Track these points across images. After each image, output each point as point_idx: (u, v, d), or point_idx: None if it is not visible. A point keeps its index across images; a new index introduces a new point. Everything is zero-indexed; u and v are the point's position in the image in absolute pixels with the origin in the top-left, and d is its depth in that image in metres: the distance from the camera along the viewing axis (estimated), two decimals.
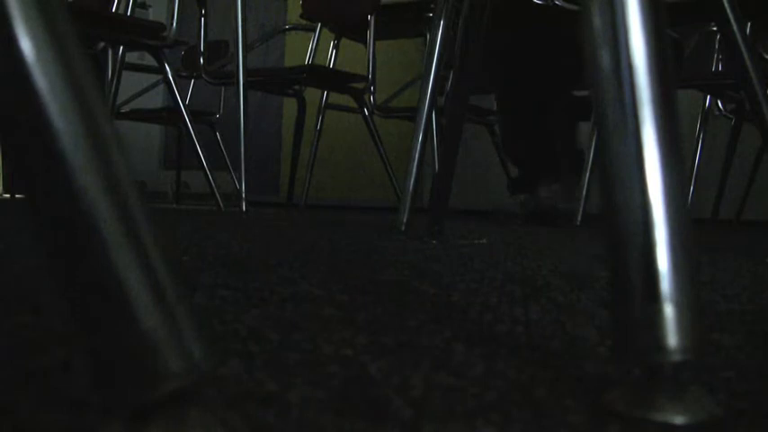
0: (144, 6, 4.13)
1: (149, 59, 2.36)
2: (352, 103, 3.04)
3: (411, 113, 2.75)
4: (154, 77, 3.50)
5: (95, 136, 0.28)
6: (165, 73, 2.25)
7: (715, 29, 2.56)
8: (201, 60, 2.62)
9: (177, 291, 0.29)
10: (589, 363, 0.47)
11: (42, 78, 0.27)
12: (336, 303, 0.66)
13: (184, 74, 3.64)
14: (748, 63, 1.28)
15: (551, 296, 0.74)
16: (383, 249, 1.25)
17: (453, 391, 0.38)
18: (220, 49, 3.56)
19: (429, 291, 0.76)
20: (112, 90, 2.63)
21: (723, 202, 2.95)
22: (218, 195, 2.34)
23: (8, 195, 3.47)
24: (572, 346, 0.52)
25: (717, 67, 2.81)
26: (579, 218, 2.37)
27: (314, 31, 3.25)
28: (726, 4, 1.26)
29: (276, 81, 3.10)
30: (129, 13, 2.45)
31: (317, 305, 0.64)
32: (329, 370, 0.42)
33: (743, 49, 1.28)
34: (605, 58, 0.37)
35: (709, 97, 2.86)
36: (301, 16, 3.23)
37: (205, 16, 2.52)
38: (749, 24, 2.22)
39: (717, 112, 2.90)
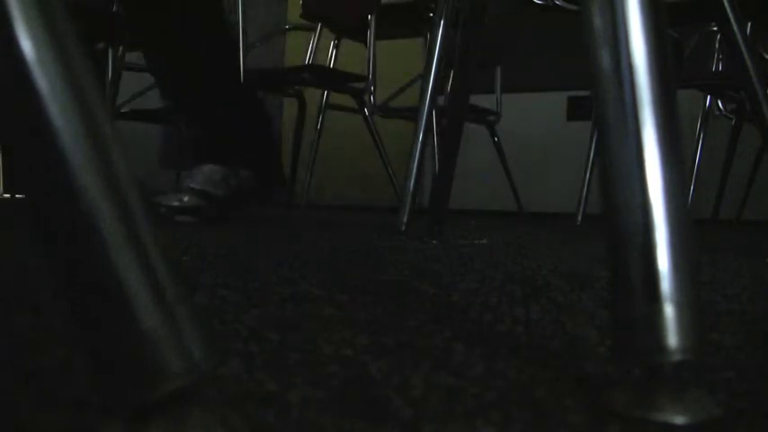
0: None
1: None
2: (353, 103, 3.04)
3: (411, 113, 2.75)
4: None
5: (95, 136, 0.28)
6: None
7: (715, 29, 2.56)
8: None
9: (177, 291, 0.29)
10: (589, 363, 0.47)
11: (42, 78, 0.27)
12: (336, 303, 0.66)
13: None
14: (748, 63, 1.28)
15: (551, 296, 0.74)
16: (383, 249, 1.25)
17: (453, 391, 0.38)
18: None
19: (429, 291, 0.76)
20: (112, 90, 2.63)
21: (723, 202, 2.96)
22: None
23: (8, 195, 3.47)
24: (572, 346, 0.52)
25: (717, 67, 2.81)
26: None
27: (314, 31, 3.25)
28: (726, 4, 1.26)
29: (276, 81, 3.10)
30: None
31: (317, 305, 0.64)
32: (329, 370, 0.42)
33: (743, 49, 1.28)
34: (605, 58, 0.37)
35: (709, 97, 2.86)
36: (301, 16, 3.23)
37: None
38: (749, 24, 2.22)
39: (717, 112, 2.90)
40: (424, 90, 1.64)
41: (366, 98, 3.00)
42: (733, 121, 2.89)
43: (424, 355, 0.47)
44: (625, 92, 0.36)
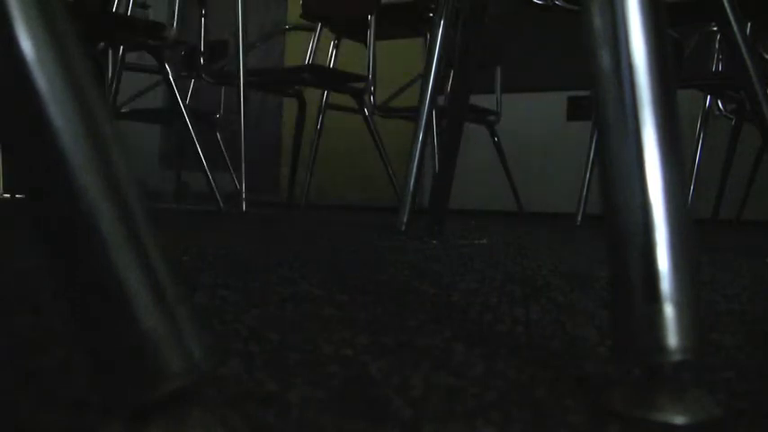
0: (144, 6, 4.13)
1: (149, 59, 2.36)
2: (352, 103, 3.04)
3: (411, 113, 2.75)
4: (154, 77, 3.50)
5: (95, 136, 0.28)
6: (166, 73, 2.25)
7: (715, 29, 2.56)
8: (201, 60, 2.62)
9: (177, 291, 0.29)
10: (589, 363, 0.47)
11: (42, 78, 0.27)
12: (336, 303, 0.66)
13: (184, 74, 3.64)
14: (748, 63, 1.28)
15: (551, 296, 0.74)
16: (383, 249, 1.25)
17: (453, 391, 0.38)
18: (220, 49, 3.55)
19: (429, 291, 0.76)
20: (112, 90, 2.63)
21: (723, 202, 2.96)
22: (218, 195, 2.33)
23: (8, 195, 3.47)
24: (572, 346, 0.52)
25: (717, 67, 2.81)
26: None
27: (314, 31, 3.25)
28: (726, 4, 1.26)
29: (276, 81, 3.10)
30: (128, 13, 2.44)
31: (317, 305, 0.64)
32: (329, 370, 0.42)
33: (743, 49, 1.28)
34: (605, 58, 0.37)
35: (709, 97, 2.86)
36: (301, 16, 3.23)
37: (205, 16, 2.52)
38: (749, 24, 2.22)
39: (717, 112, 2.90)
40: (424, 90, 1.64)
41: (366, 98, 2.99)
42: (733, 121, 2.89)
43: (424, 355, 0.47)
44: (625, 92, 0.36)
